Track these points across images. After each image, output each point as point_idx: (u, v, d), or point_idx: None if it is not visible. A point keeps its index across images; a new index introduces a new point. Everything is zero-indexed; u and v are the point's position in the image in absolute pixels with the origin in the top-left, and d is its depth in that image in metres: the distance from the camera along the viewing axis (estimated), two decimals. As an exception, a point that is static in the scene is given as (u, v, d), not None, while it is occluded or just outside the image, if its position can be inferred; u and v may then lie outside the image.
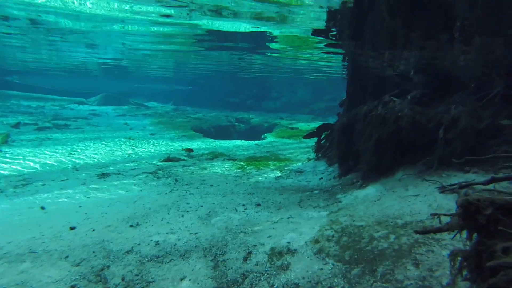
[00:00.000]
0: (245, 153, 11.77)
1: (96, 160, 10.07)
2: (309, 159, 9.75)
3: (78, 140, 13.37)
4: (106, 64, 25.80)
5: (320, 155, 9.28)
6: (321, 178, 7.68)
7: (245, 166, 9.42)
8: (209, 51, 19.55)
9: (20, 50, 21.13)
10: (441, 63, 6.42)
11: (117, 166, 9.42)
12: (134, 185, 7.52)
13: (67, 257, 3.81)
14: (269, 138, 16.76)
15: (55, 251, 3.92)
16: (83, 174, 8.32)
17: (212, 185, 7.40)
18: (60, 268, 3.46)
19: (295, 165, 9.50)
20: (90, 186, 7.27)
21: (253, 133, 22.70)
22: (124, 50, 20.63)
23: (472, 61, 6.06)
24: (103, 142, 12.99)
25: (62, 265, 3.54)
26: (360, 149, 6.34)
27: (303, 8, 7.85)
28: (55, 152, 10.91)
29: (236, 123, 24.20)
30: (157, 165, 9.51)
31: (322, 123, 21.99)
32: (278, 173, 8.61)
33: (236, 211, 5.71)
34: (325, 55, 16.81)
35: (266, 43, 15.46)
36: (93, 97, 28.25)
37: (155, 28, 14.06)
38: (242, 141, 15.67)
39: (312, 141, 14.36)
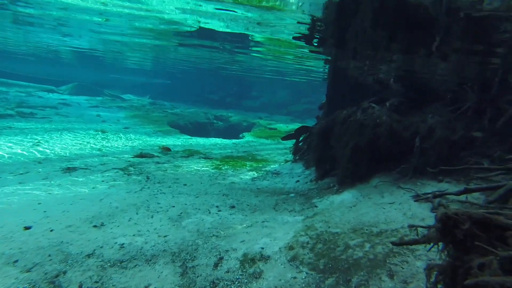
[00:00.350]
0: (222, 152, 11.53)
1: (62, 153, 9.45)
2: (286, 161, 9.68)
3: (44, 130, 12.55)
4: (80, 52, 24.55)
5: (297, 157, 9.23)
6: (298, 181, 7.61)
7: (221, 166, 9.19)
8: (188, 47, 19.11)
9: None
10: (419, 74, 6.55)
11: (85, 160, 8.89)
12: (102, 181, 7.09)
13: (16, 261, 3.44)
14: (247, 137, 16.59)
15: (2, 255, 3.53)
16: (47, 168, 7.76)
17: (185, 185, 7.13)
18: (6, 275, 3.10)
19: (272, 166, 9.39)
20: (53, 181, 6.76)
21: (232, 131, 22.46)
22: (100, 40, 19.72)
23: (448, 75, 6.22)
24: (72, 134, 12.27)
25: (8, 271, 3.17)
26: (337, 154, 6.32)
27: (286, 14, 7.77)
28: (16, 142, 10.14)
29: (215, 121, 23.84)
30: (129, 161, 9.07)
31: (300, 125, 22.15)
32: (255, 174, 8.46)
33: (209, 213, 5.49)
34: (306, 60, 16.92)
35: (249, 44, 15.33)
36: (64, 85, 26.79)
37: (135, 23, 13.54)
38: (220, 139, 15.40)
39: (290, 143, 14.37)
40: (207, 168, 8.79)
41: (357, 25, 5.32)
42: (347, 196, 5.49)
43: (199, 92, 32.36)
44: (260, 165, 9.55)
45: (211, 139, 15.34)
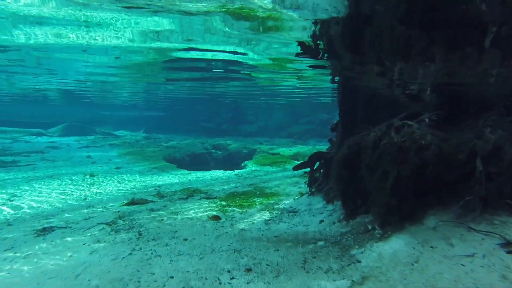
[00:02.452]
0: (225, 188, 10.23)
1: (41, 207, 8.11)
2: (301, 194, 8.39)
3: (24, 180, 11.23)
4: (67, 91, 23.70)
5: (314, 189, 7.95)
6: (322, 220, 6.29)
7: (227, 207, 7.87)
8: (181, 81, 18.33)
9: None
10: (464, 80, 5.48)
11: (67, 215, 7.54)
12: (83, 244, 5.74)
13: None
14: (250, 166, 15.33)
15: None
16: (16, 232, 6.39)
17: (186, 240, 5.78)
18: None
19: (285, 202, 8.08)
20: (19, 252, 5.39)
21: (232, 160, 21.25)
22: (87, 77, 18.90)
23: (506, 77, 5.15)
24: (56, 182, 10.95)
25: None
26: (371, 186, 5.07)
27: (283, 23, 6.81)
28: (-11, 199, 8.81)
29: (213, 150, 22.65)
30: (118, 211, 7.73)
31: (302, 147, 20.76)
32: (268, 215, 7.14)
33: (220, 283, 4.14)
34: (304, 78, 16.07)
35: (242, 71, 14.50)
36: (54, 127, 25.72)
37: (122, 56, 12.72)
38: (221, 171, 14.13)
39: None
40: (211, 213, 7.46)
41: (381, 22, 4.26)
42: (399, 244, 4.18)
43: (194, 122, 31.44)
44: (272, 201, 8.24)
45: (211, 172, 14.06)
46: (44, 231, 6.36)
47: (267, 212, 7.34)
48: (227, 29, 7.54)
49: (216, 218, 6.57)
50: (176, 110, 34.88)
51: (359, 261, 4.24)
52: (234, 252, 5.13)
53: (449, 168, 4.29)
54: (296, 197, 8.29)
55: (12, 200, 8.67)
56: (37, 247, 5.58)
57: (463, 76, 5.26)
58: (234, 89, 21.04)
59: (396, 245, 4.19)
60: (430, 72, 5.18)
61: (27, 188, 10.06)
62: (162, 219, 6.98)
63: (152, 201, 8.59)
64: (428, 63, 4.81)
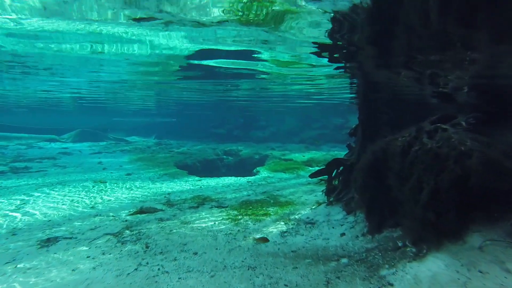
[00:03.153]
0: (237, 196, 9.78)
1: (47, 216, 7.85)
2: (318, 204, 7.86)
3: (35, 187, 11.08)
4: (80, 98, 23.90)
5: (332, 198, 7.42)
6: (343, 234, 5.76)
7: (239, 217, 7.41)
8: (191, 80, 18.13)
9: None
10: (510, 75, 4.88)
11: (73, 224, 7.24)
12: (87, 257, 5.38)
13: None
14: (263, 172, 14.86)
15: None
16: (20, 242, 6.10)
17: (196, 253, 5.35)
18: None
19: (301, 212, 7.57)
20: (21, 264, 5.08)
21: (243, 166, 20.85)
22: (99, 83, 18.93)
23: None
24: (66, 189, 10.75)
25: None
26: (402, 198, 4.53)
27: (299, 18, 6.38)
28: (-2, 206, 8.64)
29: (224, 156, 22.30)
30: (126, 220, 7.38)
31: (315, 152, 20.07)
32: (283, 226, 6.64)
33: (233, 307, 3.68)
34: (316, 80, 15.58)
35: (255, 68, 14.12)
36: (67, 133, 25.95)
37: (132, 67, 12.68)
38: (232, 178, 13.71)
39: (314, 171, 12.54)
40: (222, 222, 7.02)
41: (412, 14, 3.77)
42: (437, 265, 3.63)
43: (205, 128, 31.25)
44: (287, 211, 7.74)
45: (222, 178, 13.65)
46: (48, 242, 6.05)
47: (283, 223, 6.84)
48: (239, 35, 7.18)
49: (263, 240, 5.70)
50: (188, 117, 34.83)
51: (391, 284, 3.71)
52: (248, 269, 4.66)
53: (496, 177, 3.73)
54: (313, 207, 7.76)
55: (20, 208, 8.46)
56: (39, 260, 5.25)
57: (508, 71, 4.68)
58: (245, 93, 20.69)
59: (434, 266, 3.64)
60: (470, 66, 4.64)
61: (36, 195, 9.87)
62: (171, 230, 6.58)
63: (161, 210, 8.22)
64: (468, 56, 4.28)
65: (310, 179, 12.36)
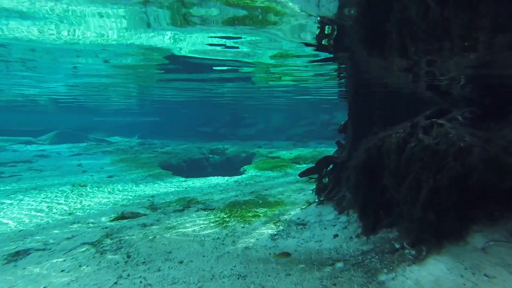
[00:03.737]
0: (225, 197, 9.43)
1: (19, 225, 7.27)
2: (309, 203, 7.61)
3: (5, 194, 10.36)
4: (58, 98, 22.83)
5: (323, 198, 7.18)
6: (336, 235, 5.52)
7: (227, 219, 7.08)
8: (173, 81, 17.58)
9: None
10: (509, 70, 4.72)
11: (48, 233, 6.71)
12: (62, 271, 4.92)
13: None
14: (250, 171, 14.55)
15: None
16: (-15, 257, 5.56)
17: (181, 262, 4.98)
18: None
19: (292, 212, 7.30)
20: (-16, 283, 4.57)
21: (230, 165, 20.50)
22: (77, 81, 18.06)
23: None
24: (41, 195, 10.10)
25: None
26: (399, 197, 4.31)
27: (283, 18, 6.09)
28: (-37, 216, 7.96)
29: (210, 155, 21.86)
30: (106, 227, 6.90)
31: (303, 149, 19.94)
32: (273, 229, 6.35)
33: (223, 324, 3.35)
34: (304, 75, 15.38)
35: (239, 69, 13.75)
36: (44, 135, 24.79)
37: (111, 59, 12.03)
38: (219, 178, 13.33)
39: (302, 169, 12.36)
40: (209, 226, 6.67)
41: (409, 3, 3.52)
42: (439, 269, 3.42)
43: (190, 126, 30.62)
44: (276, 212, 7.46)
45: (208, 178, 13.25)
46: (17, 255, 5.54)
47: (273, 225, 6.55)
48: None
49: (285, 255, 5.10)
50: (172, 115, 34.07)
51: (392, 292, 3.47)
52: (238, 278, 4.34)
53: (497, 175, 3.55)
54: (303, 207, 7.51)
55: (-11, 217, 7.82)
56: (4, 277, 4.75)
57: (508, 65, 4.53)
58: (231, 90, 20.28)
59: (436, 270, 3.43)
60: (468, 60, 4.46)
61: (7, 202, 9.20)
62: (155, 237, 6.17)
63: (144, 215, 7.77)
64: (467, 50, 4.09)
65: (298, 177, 12.15)
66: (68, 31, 8.35)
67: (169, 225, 6.83)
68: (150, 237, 6.17)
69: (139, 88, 20.39)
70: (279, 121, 30.95)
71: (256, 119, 32.11)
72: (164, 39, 8.71)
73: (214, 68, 13.15)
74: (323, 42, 6.84)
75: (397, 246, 4.27)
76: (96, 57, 11.71)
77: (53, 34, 8.52)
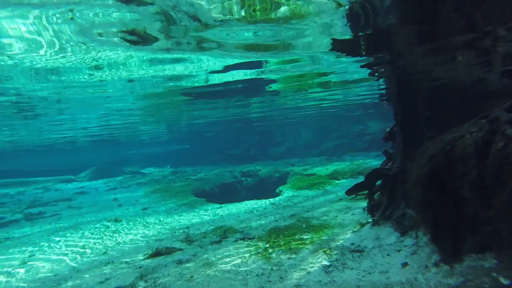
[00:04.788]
0: (263, 222, 8.68)
1: (53, 270, 6.97)
2: (361, 224, 6.66)
3: (46, 234, 10.36)
4: (92, 136, 23.80)
5: (378, 217, 6.23)
6: (406, 263, 4.56)
7: (270, 250, 6.30)
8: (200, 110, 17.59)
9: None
10: None
11: (81, 277, 6.31)
12: (93, 324, 4.39)
13: None
14: (286, 192, 13.72)
15: None
16: (18, 309, 5.20)
17: (224, 308, 4.27)
18: None
19: (343, 236, 6.39)
20: None
21: (264, 186, 19.77)
22: (108, 120, 18.69)
23: None
24: (78, 233, 9.95)
25: None
26: (491, 213, 3.37)
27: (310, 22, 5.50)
28: (4, 261, 7.88)
29: (243, 178, 21.30)
30: (140, 267, 6.39)
31: (339, 163, 18.73)
32: (325, 258, 5.48)
33: None
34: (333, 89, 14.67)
35: (265, 87, 13.35)
36: (83, 172, 25.73)
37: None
38: (254, 201, 12.62)
39: (341, 189, 11.41)
40: (251, 259, 5.93)
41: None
42: None
43: (220, 150, 30.52)
44: (325, 237, 6.57)
45: (244, 203, 12.59)
46: (50, 306, 5.12)
47: (323, 254, 5.68)
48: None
49: None
50: (201, 141, 34.35)
51: None
52: (294, 329, 3.53)
53: None
54: (355, 229, 6.57)
55: (27, 262, 7.65)
56: (35, 334, 4.29)
57: None
58: (257, 110, 19.92)
59: None
60: None
61: (45, 244, 9.09)
62: (192, 276, 5.54)
63: (180, 249, 7.21)
64: None
65: (340, 194, 11.16)
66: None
67: (206, 261, 6.18)
68: (187, 277, 5.54)
69: (167, 116, 20.65)
70: (308, 137, 30.00)
71: (285, 137, 31.41)
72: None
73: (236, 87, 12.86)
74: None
75: (505, 282, 3.27)
76: (124, 90, 11.87)
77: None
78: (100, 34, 5.56)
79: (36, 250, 8.58)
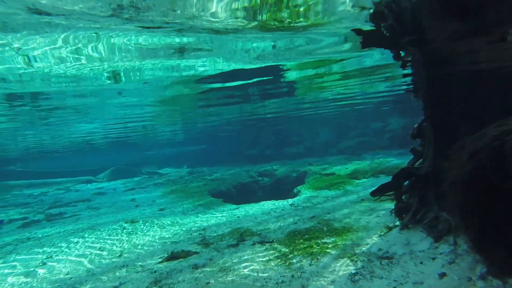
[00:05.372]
0: (282, 224, 8.31)
1: (71, 271, 6.88)
2: (388, 228, 6.18)
3: (65, 235, 10.41)
4: (111, 136, 24.13)
5: (407, 220, 5.73)
6: (443, 274, 4.08)
7: (290, 255, 5.93)
8: (215, 106, 17.40)
9: (20, 134, 19.69)
10: None
11: (96, 281, 6.17)
12: (105, 333, 4.17)
13: None
14: (304, 192, 13.27)
15: None
16: (32, 313, 5.08)
17: (242, 320, 3.94)
18: None
19: (368, 241, 5.93)
20: None
21: (281, 186, 19.40)
22: (125, 119, 18.84)
23: None
24: (94, 235, 9.92)
25: None
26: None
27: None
28: (21, 263, 7.90)
29: (260, 178, 20.97)
30: (155, 271, 6.18)
31: (359, 162, 18.07)
32: (350, 265, 5.05)
33: None
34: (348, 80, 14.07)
35: (281, 79, 12.95)
36: (102, 173, 26.18)
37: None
38: (272, 202, 12.26)
39: (363, 189, 10.93)
40: (270, 266, 5.57)
41: None
42: None
43: (237, 151, 30.33)
44: (348, 241, 6.13)
45: (261, 204, 12.25)
46: (63, 312, 4.97)
47: (348, 260, 5.25)
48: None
49: None
50: (217, 141, 34.30)
51: None
52: None
53: None
54: (382, 233, 6.09)
55: (44, 264, 7.62)
56: None
57: None
58: (273, 106, 19.54)
59: None
60: None
61: (64, 245, 9.10)
62: (208, 282, 5.25)
63: (195, 252, 6.95)
64: None
65: (362, 195, 10.63)
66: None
67: (223, 266, 5.88)
68: (203, 283, 5.26)
69: (182, 115, 20.61)
70: (326, 136, 29.30)
71: (302, 136, 30.83)
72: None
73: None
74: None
75: None
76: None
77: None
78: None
79: (55, 251, 8.57)
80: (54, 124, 17.18)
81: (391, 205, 7.98)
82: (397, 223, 6.14)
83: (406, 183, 6.25)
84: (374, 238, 5.97)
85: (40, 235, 10.86)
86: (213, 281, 5.25)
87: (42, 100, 11.71)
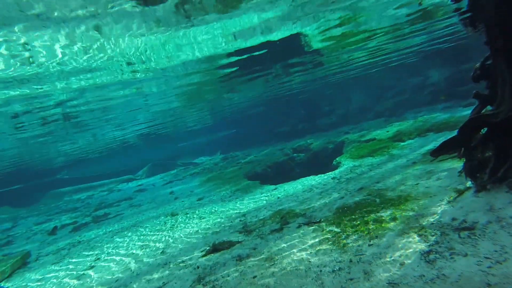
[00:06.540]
0: (327, 201, 7.53)
1: (115, 273, 6.74)
2: (458, 192, 5.16)
3: (111, 235, 10.53)
4: (142, 133, 24.45)
5: (485, 180, 4.68)
6: (556, 244, 3.09)
7: (342, 235, 5.18)
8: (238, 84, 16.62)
9: (58, 144, 20.52)
10: None
11: (140, 281, 5.91)
12: None
13: None
14: (345, 162, 12.28)
15: None
16: (79, 323, 4.89)
17: (299, 322, 3.31)
18: None
19: (435, 210, 4.98)
20: None
21: (318, 160, 18.48)
22: (154, 113, 18.77)
23: None
24: (137, 233, 9.88)
25: None
26: None
27: None
28: (71, 267, 8.00)
29: (295, 154, 20.15)
30: (198, 267, 5.77)
31: (401, 123, 16.60)
32: (420, 242, 4.19)
33: None
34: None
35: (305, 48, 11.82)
36: (140, 170, 26.90)
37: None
38: (311, 177, 11.47)
39: (409, 150, 9.79)
40: (323, 250, 4.87)
41: None
42: None
43: (267, 130, 29.57)
44: (410, 213, 5.22)
45: (299, 181, 11.51)
46: (107, 320, 4.70)
47: (415, 235, 4.39)
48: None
49: None
50: (247, 123, 33.73)
51: None
52: None
53: None
54: (451, 199, 5.09)
55: (92, 267, 7.61)
56: None
57: None
58: (299, 76, 18.34)
59: None
60: None
61: (110, 246, 9.13)
62: (255, 276, 4.68)
63: (238, 242, 6.45)
64: None
65: (412, 157, 9.49)
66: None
67: (269, 255, 5.29)
68: (249, 277, 4.71)
69: (209, 102, 20.16)
70: (360, 101, 27.43)
71: (333, 105, 29.22)
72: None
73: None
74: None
75: None
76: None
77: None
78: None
79: (102, 253, 8.60)
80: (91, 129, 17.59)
81: (452, 164, 6.88)
82: (469, 184, 5.10)
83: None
84: (442, 206, 5.01)
85: (88, 238, 11.11)
86: (259, 274, 4.68)
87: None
